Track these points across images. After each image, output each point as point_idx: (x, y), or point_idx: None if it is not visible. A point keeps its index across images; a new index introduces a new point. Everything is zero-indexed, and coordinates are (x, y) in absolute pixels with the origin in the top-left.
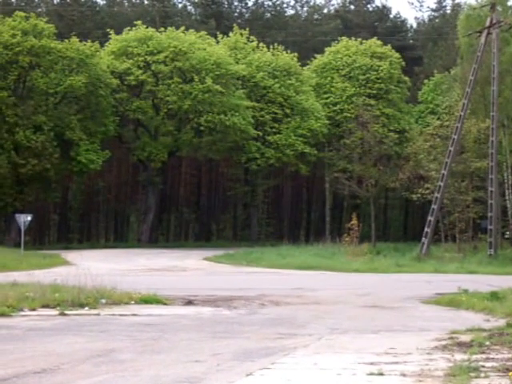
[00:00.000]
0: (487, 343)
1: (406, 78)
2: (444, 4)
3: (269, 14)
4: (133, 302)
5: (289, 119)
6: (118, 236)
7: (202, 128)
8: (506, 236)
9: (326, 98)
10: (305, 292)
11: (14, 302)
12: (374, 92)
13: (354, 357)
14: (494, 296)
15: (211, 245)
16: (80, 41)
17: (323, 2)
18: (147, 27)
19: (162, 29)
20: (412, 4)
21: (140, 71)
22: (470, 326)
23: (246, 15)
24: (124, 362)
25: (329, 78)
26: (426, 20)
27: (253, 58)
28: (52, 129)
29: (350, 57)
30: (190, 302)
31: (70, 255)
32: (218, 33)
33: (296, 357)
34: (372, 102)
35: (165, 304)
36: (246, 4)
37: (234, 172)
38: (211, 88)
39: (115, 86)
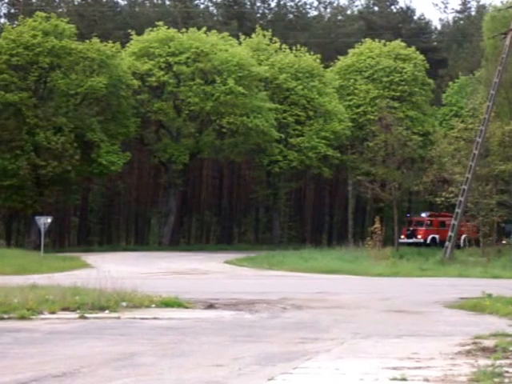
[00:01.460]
0: (511, 348)
1: (430, 80)
2: (469, 5)
3: (291, 15)
4: (153, 306)
5: (312, 121)
6: (138, 239)
7: (223, 130)
8: None
9: (350, 100)
10: (327, 296)
11: (33, 304)
12: (398, 94)
13: (376, 362)
14: None
15: (233, 248)
16: (101, 41)
17: (347, 3)
18: (169, 28)
19: (184, 29)
20: (436, 5)
21: (161, 72)
22: (494, 331)
23: (269, 16)
24: (144, 365)
25: (352, 80)
26: (451, 21)
27: (275, 60)
28: (72, 130)
29: (373, 58)
30: (211, 306)
31: (91, 258)
32: (240, 34)
33: (318, 361)
34: (396, 104)
35: (186, 307)
36: (269, 5)
37: (255, 174)
38: (233, 89)
39: (136, 87)
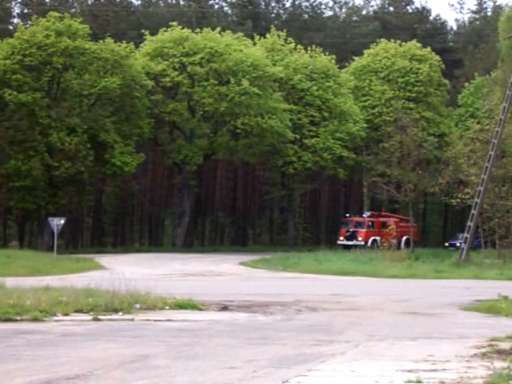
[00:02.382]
0: None
1: (446, 81)
2: (485, 6)
3: (306, 15)
4: (167, 307)
5: (326, 122)
6: (152, 240)
7: (238, 131)
8: None
9: (365, 101)
10: (342, 298)
11: (46, 306)
12: (414, 95)
13: (391, 364)
14: None
15: (247, 249)
16: (115, 41)
17: (362, 3)
18: (183, 28)
19: (198, 30)
20: (452, 6)
21: (175, 73)
22: (510, 334)
23: (284, 16)
24: (158, 368)
25: (367, 81)
26: (467, 22)
27: (290, 60)
28: (86, 131)
29: (388, 59)
30: (225, 308)
31: (104, 259)
32: (254, 34)
33: (333, 364)
34: (411, 105)
35: (200, 309)
36: (284, 5)
37: (270, 176)
38: (248, 90)
39: (150, 88)
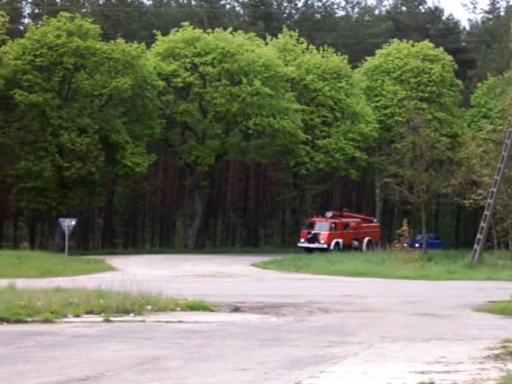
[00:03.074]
0: None
1: (459, 82)
2: (497, 6)
3: (319, 15)
4: (179, 309)
5: (339, 123)
6: (163, 241)
7: (250, 131)
8: None
9: (377, 102)
10: (354, 299)
11: (57, 307)
12: (426, 95)
13: (404, 365)
14: None
15: (259, 250)
16: (126, 42)
17: (374, 3)
18: (194, 28)
19: (210, 30)
20: (465, 5)
21: (187, 73)
22: None
23: (296, 16)
24: (170, 369)
25: (379, 81)
26: (479, 22)
27: (302, 60)
28: (97, 131)
29: (401, 59)
30: (237, 309)
31: (115, 260)
32: (266, 34)
33: (345, 365)
34: (424, 105)
35: (211, 311)
36: (296, 5)
37: (282, 176)
38: (260, 90)
39: (162, 88)
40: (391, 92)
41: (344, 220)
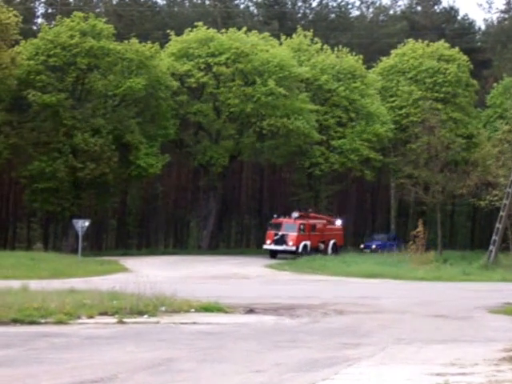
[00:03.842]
0: None
1: (475, 82)
2: None
3: (333, 15)
4: (193, 310)
5: (353, 123)
6: (177, 242)
7: (264, 132)
8: None
9: (392, 102)
10: (369, 301)
11: (71, 309)
12: (441, 96)
13: (419, 368)
14: None
15: None
16: (139, 42)
17: (389, 3)
18: (208, 28)
19: (224, 30)
20: (480, 5)
21: (201, 73)
22: None
23: (310, 16)
24: (183, 371)
25: (395, 81)
26: (495, 22)
27: (317, 61)
28: (111, 132)
29: (416, 59)
30: (251, 311)
31: (129, 262)
32: (281, 34)
33: (360, 367)
34: (439, 105)
35: (225, 312)
36: (310, 5)
37: (296, 177)
38: (274, 91)
39: (175, 89)
40: (406, 92)
41: (311, 221)
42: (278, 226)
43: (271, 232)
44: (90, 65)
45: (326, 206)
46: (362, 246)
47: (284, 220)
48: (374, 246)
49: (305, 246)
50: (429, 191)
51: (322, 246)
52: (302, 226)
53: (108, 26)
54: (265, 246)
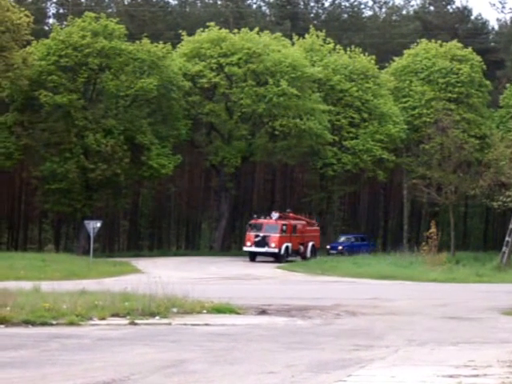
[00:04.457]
0: None
1: (488, 82)
2: None
3: (346, 15)
4: (205, 311)
5: (366, 124)
6: (189, 243)
7: (276, 132)
8: None
9: (405, 102)
10: (381, 302)
11: (83, 310)
12: (454, 96)
13: (432, 369)
14: None
15: None
16: (151, 42)
17: (402, 3)
18: (220, 28)
19: (236, 30)
20: (494, 5)
21: (213, 73)
22: None
23: (323, 16)
24: (196, 372)
25: (407, 82)
26: (508, 22)
27: (329, 61)
28: (122, 132)
29: (429, 59)
30: (263, 312)
31: (141, 263)
32: (293, 34)
33: (372, 369)
34: (452, 106)
35: (238, 313)
36: (323, 5)
37: (309, 178)
38: (286, 91)
39: (187, 89)
40: (419, 92)
41: (292, 222)
42: (259, 227)
43: (251, 233)
44: (102, 65)
45: (338, 206)
46: (328, 246)
47: (265, 221)
48: (340, 247)
49: (286, 248)
50: (442, 192)
51: (301, 248)
52: (284, 227)
53: (120, 26)
54: (245, 248)
